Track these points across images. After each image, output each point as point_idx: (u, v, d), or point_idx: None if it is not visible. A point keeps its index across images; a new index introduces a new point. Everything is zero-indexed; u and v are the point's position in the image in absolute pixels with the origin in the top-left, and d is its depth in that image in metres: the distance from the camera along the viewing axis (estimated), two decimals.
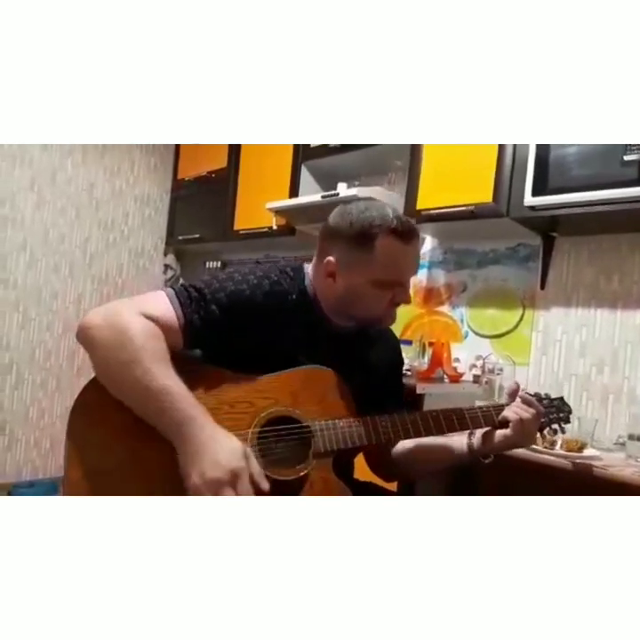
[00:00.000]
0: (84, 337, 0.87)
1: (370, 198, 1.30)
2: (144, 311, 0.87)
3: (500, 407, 1.02)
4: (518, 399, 1.02)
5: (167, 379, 0.83)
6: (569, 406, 1.13)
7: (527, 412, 0.98)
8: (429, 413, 1.00)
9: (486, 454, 1.03)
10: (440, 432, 1.00)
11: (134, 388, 0.83)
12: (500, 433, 1.00)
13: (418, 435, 0.99)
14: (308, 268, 1.06)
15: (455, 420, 1.00)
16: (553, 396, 1.12)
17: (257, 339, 0.95)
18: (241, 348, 0.94)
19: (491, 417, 1.01)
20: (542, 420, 1.03)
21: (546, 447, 1.41)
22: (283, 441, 0.92)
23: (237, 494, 0.79)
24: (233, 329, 0.93)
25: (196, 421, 0.82)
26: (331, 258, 0.99)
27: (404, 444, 1.10)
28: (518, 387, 1.06)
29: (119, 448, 0.87)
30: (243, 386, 0.93)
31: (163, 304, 0.90)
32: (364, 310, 1.00)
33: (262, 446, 0.90)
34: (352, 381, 1.00)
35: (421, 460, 1.09)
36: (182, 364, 0.87)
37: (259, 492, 0.81)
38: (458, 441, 1.05)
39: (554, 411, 1.09)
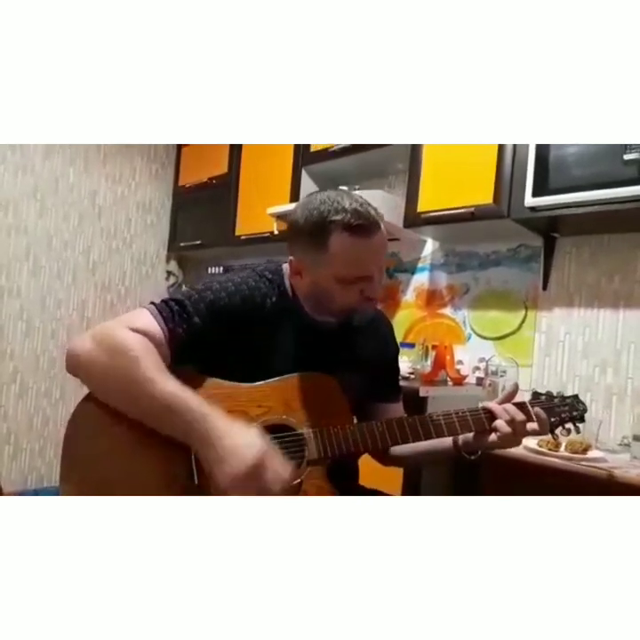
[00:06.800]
0: (76, 364, 0.87)
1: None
2: (132, 326, 0.87)
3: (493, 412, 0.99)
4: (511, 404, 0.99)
5: (171, 385, 0.83)
6: (584, 404, 1.07)
7: (517, 416, 0.96)
8: (422, 418, 0.98)
9: (472, 451, 1.03)
10: (430, 437, 0.98)
11: (140, 400, 0.83)
12: (488, 437, 0.98)
13: (414, 439, 0.97)
14: (287, 267, 1.05)
15: (444, 425, 0.98)
16: (566, 394, 1.07)
17: (244, 346, 0.94)
18: (231, 357, 0.94)
19: (481, 422, 0.99)
20: (552, 419, 1.01)
21: (550, 449, 1.41)
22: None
23: (262, 488, 0.79)
24: (218, 339, 0.92)
25: (209, 418, 0.82)
26: (292, 258, 0.98)
27: None
28: (516, 391, 1.02)
29: (115, 462, 0.88)
30: (236, 395, 0.93)
31: (147, 319, 0.89)
32: (336, 305, 0.97)
33: None
34: (346, 377, 0.99)
35: (407, 452, 1.09)
36: (175, 374, 0.86)
37: (282, 481, 0.81)
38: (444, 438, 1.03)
39: (567, 409, 1.04)
